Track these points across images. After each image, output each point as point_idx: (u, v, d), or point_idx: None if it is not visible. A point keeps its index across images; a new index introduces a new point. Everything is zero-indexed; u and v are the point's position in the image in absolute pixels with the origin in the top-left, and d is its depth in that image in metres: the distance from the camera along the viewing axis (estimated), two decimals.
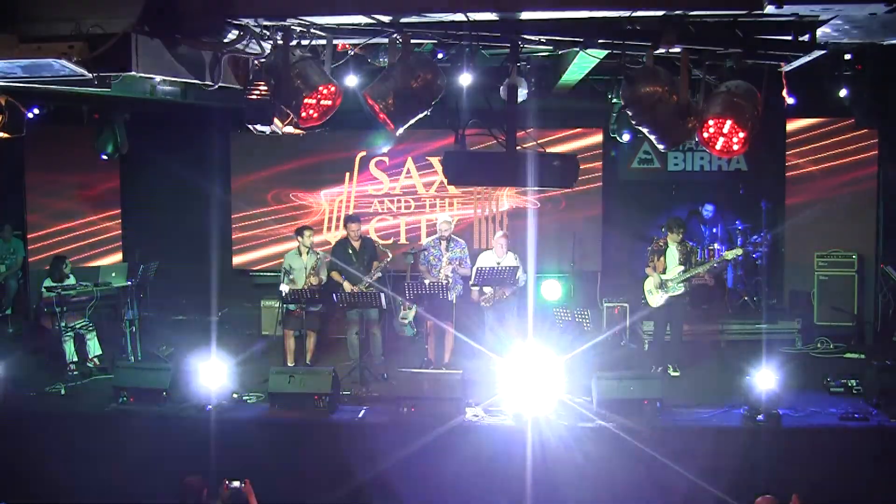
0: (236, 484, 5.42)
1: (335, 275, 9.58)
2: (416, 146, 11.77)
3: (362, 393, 8.61)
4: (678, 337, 9.43)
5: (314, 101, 5.70)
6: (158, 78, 7.22)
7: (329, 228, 12.00)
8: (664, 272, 9.29)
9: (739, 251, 9.83)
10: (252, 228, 12.12)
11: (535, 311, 10.76)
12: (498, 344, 9.33)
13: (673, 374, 9.27)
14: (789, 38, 5.52)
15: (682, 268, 9.21)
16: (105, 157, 10.37)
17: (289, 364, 9.47)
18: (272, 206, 12.09)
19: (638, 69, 5.67)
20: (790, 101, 8.94)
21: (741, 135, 5.43)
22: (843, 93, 8.60)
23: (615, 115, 10.44)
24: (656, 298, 9.35)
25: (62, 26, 5.27)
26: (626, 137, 10.74)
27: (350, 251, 9.58)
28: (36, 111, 10.02)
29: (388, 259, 9.62)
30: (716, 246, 10.81)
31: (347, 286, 9.38)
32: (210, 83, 6.10)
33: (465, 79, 7.69)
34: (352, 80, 6.69)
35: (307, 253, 9.65)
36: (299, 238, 9.68)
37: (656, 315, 9.57)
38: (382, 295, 9.26)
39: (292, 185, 12.07)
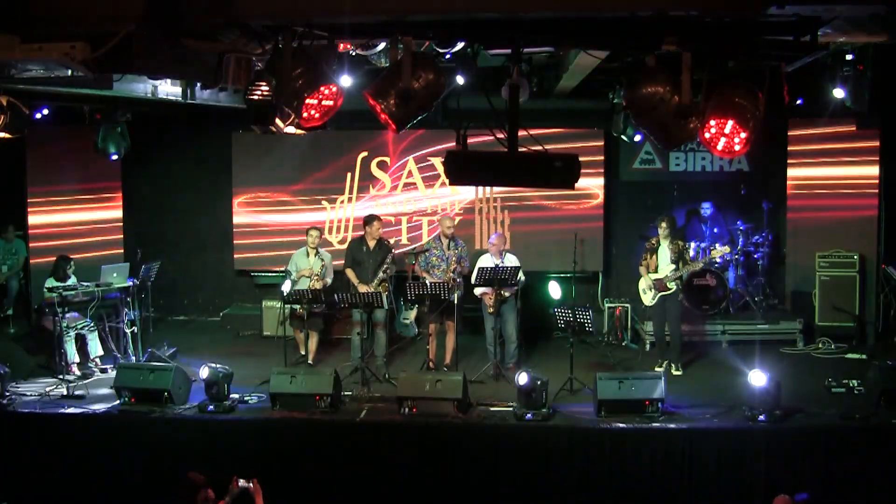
0: (244, 483, 5.42)
1: (350, 273, 9.60)
2: (417, 146, 11.77)
3: (363, 393, 8.61)
4: (677, 334, 9.48)
5: (316, 102, 5.70)
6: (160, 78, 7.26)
7: (331, 229, 11.99)
8: (656, 270, 9.37)
9: (727, 249, 9.89)
10: (253, 228, 12.11)
11: (535, 311, 10.81)
12: (498, 345, 9.33)
13: (675, 372, 9.30)
14: (791, 38, 5.52)
15: (674, 266, 9.27)
16: (114, 157, 10.38)
17: (301, 353, 9.71)
18: (273, 206, 12.08)
19: (639, 69, 5.67)
20: (797, 101, 9.04)
21: (743, 135, 5.43)
22: (844, 93, 8.60)
23: (619, 115, 10.44)
24: (649, 297, 9.51)
25: (64, 26, 5.27)
26: (637, 138, 10.74)
27: (364, 249, 9.59)
28: (44, 111, 10.05)
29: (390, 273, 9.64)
30: (716, 245, 10.80)
31: (362, 287, 9.38)
32: (212, 83, 6.10)
33: (467, 79, 7.72)
34: (352, 81, 6.68)
35: (315, 254, 9.68)
36: (306, 237, 9.73)
37: (652, 313, 9.71)
38: (384, 295, 9.27)
39: (293, 185, 12.05)
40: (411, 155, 11.87)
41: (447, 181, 6.32)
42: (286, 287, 9.49)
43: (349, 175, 11.97)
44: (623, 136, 10.70)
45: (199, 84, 8.16)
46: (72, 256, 9.91)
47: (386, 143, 11.85)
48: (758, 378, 7.57)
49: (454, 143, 5.55)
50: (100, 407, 8.20)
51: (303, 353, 9.80)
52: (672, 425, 7.58)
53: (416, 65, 5.49)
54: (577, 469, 7.49)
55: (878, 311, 10.80)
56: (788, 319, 10.72)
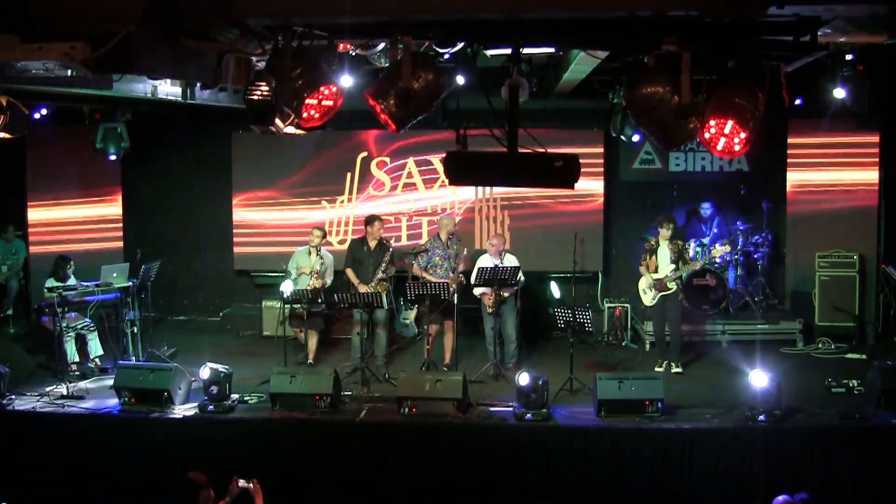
0: (244, 483, 5.42)
1: (350, 273, 9.59)
2: (417, 146, 11.77)
3: (363, 393, 8.61)
4: (677, 334, 9.50)
5: (315, 102, 5.71)
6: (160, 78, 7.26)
7: (329, 227, 11.98)
8: (656, 271, 9.38)
9: (727, 249, 9.89)
10: (253, 229, 12.11)
11: (535, 311, 10.81)
12: (498, 345, 9.33)
13: (675, 370, 9.32)
14: (790, 38, 5.52)
15: (674, 266, 9.29)
16: (112, 157, 10.39)
17: (307, 351, 9.67)
18: (273, 206, 12.07)
19: (639, 69, 5.67)
20: (797, 102, 9.04)
21: (742, 135, 5.44)
22: (844, 93, 8.60)
23: (617, 115, 10.45)
24: (649, 297, 9.53)
25: (64, 26, 5.27)
26: (635, 138, 10.73)
27: (365, 249, 9.60)
28: (44, 111, 10.04)
29: (390, 273, 9.63)
30: (716, 245, 10.80)
31: (362, 287, 9.38)
32: (212, 83, 6.11)
33: (467, 79, 7.73)
34: (352, 81, 6.69)
35: (316, 253, 9.69)
36: (310, 235, 9.75)
37: (652, 313, 9.72)
38: (384, 295, 9.27)
39: (293, 185, 12.04)
40: (411, 155, 11.87)
41: (447, 181, 6.32)
42: (286, 286, 9.48)
43: (349, 175, 11.96)
44: (621, 137, 10.71)
45: (199, 84, 8.15)
46: (71, 256, 9.91)
47: (385, 142, 11.83)
48: (759, 378, 7.56)
49: (454, 144, 5.56)
50: (100, 407, 8.19)
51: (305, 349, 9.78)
52: (672, 425, 7.58)
53: (416, 65, 5.50)
54: (577, 469, 7.48)
55: (878, 311, 10.81)
56: (788, 319, 10.72)
